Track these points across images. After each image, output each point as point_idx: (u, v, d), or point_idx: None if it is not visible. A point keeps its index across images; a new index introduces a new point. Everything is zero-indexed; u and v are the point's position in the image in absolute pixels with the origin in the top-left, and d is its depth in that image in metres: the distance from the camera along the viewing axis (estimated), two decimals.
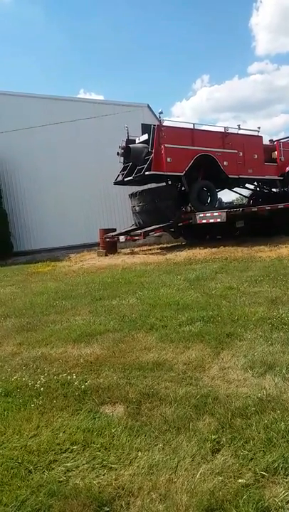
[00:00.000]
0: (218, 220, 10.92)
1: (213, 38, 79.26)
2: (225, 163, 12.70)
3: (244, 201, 18.51)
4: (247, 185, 15.34)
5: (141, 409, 2.48)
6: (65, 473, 1.95)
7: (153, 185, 13.58)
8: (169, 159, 11.64)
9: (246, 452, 1.96)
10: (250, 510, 1.60)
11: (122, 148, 12.78)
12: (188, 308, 4.72)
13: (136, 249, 13.54)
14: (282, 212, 12.35)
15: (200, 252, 10.26)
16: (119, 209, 17.68)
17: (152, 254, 11.76)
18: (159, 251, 12.42)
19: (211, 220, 11.11)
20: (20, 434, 2.31)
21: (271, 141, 15.36)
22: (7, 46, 69.54)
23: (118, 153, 12.96)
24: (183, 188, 12.66)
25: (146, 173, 11.55)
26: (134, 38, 75.17)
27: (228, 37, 79.79)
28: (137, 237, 12.72)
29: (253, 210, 12.49)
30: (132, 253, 12.55)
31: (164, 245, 14.13)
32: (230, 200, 21.75)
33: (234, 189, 15.58)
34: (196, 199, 12.52)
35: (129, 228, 13.82)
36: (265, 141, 14.70)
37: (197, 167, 12.27)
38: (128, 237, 12.75)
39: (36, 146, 17.18)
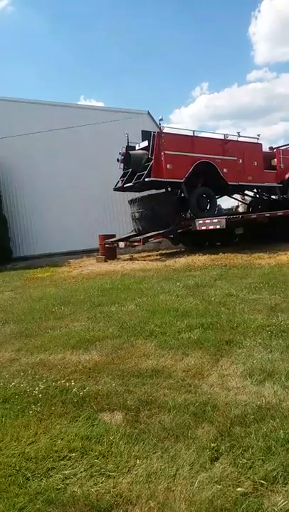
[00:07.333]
0: (218, 226, 10.94)
1: (212, 46, 79.78)
2: (225, 170, 12.75)
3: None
4: (246, 192, 15.40)
5: (139, 416, 2.47)
6: (63, 480, 1.94)
7: (153, 191, 13.63)
8: (168, 166, 11.69)
9: (245, 461, 1.95)
10: None
11: (122, 155, 12.85)
12: (187, 315, 4.71)
13: (135, 256, 13.53)
14: (282, 219, 12.39)
15: (199, 259, 10.26)
16: (119, 215, 17.71)
17: (152, 260, 11.76)
18: (158, 257, 12.42)
19: (211, 227, 11.12)
20: (18, 441, 2.30)
21: (271, 148, 15.44)
22: (7, 53, 70.07)
23: (118, 160, 13.03)
24: (182, 195, 12.69)
25: (146, 179, 11.59)
26: (133, 46, 75.76)
27: (227, 46, 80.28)
28: (136, 244, 12.72)
29: (252, 217, 12.53)
30: (132, 259, 12.54)
31: (164, 252, 14.12)
32: (230, 207, 21.68)
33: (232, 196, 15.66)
34: (195, 206, 12.55)
35: (129, 234, 13.82)
36: (265, 149, 14.80)
37: (197, 174, 12.31)
38: (127, 243, 12.75)
39: (36, 152, 17.26)
